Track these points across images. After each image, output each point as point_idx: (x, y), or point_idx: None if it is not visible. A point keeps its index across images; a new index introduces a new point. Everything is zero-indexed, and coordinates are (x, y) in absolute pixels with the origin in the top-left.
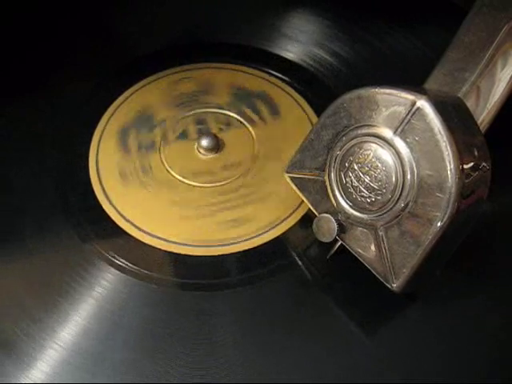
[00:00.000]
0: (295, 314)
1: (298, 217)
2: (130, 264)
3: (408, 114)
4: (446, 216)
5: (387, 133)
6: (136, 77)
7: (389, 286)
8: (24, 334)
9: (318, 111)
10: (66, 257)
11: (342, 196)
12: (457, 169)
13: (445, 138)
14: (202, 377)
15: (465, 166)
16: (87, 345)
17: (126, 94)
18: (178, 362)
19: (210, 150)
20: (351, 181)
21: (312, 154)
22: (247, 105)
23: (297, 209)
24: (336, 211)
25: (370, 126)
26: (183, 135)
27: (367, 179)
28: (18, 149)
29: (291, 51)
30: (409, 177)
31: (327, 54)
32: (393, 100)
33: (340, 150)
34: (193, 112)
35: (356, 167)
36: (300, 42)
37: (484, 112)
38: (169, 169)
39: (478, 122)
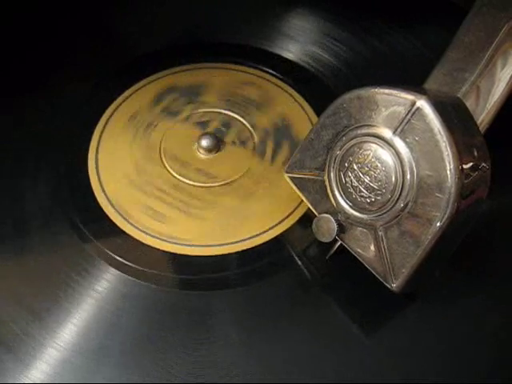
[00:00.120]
0: (294, 314)
1: (298, 217)
2: (129, 264)
3: (408, 114)
4: (446, 216)
5: (387, 133)
6: (136, 77)
7: (388, 285)
8: (24, 334)
9: (318, 111)
10: (66, 256)
11: (341, 196)
12: (456, 169)
13: (444, 138)
14: (203, 377)
15: (464, 166)
16: (87, 344)
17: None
18: (178, 362)
19: (210, 150)
20: (351, 181)
21: (312, 153)
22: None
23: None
24: (336, 211)
25: (370, 126)
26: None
27: (367, 179)
28: (18, 149)
29: (291, 51)
30: (408, 177)
31: (327, 53)
32: (392, 100)
33: (340, 150)
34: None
35: (356, 167)
36: (300, 41)
37: (484, 112)
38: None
39: (478, 122)
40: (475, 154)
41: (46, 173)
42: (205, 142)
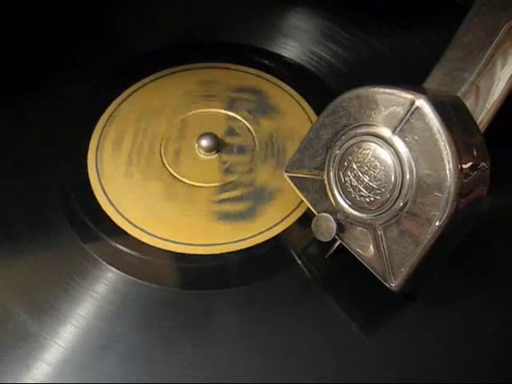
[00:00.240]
0: (294, 313)
1: (297, 216)
2: (129, 263)
3: (407, 113)
4: (445, 215)
5: (386, 132)
6: (136, 77)
7: (387, 285)
8: (24, 334)
9: (318, 110)
10: (66, 256)
11: (340, 195)
12: (456, 168)
13: (444, 138)
14: (203, 376)
15: (464, 166)
16: (87, 344)
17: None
18: (179, 361)
19: (210, 150)
20: (350, 180)
21: (311, 153)
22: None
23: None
24: (335, 210)
25: (369, 125)
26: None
27: (366, 178)
28: (18, 149)
29: (291, 51)
30: (408, 176)
31: (327, 53)
32: (392, 99)
33: (339, 150)
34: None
35: (355, 166)
36: (300, 41)
37: (483, 111)
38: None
39: (477, 121)
40: (474, 153)
41: (45, 173)
42: (205, 142)
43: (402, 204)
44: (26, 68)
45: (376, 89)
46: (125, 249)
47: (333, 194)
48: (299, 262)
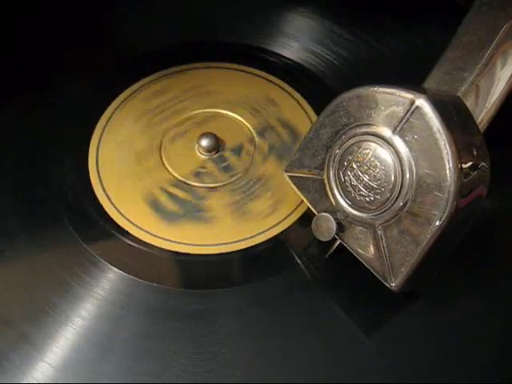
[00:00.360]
0: (294, 313)
1: (297, 216)
2: (130, 263)
3: (407, 112)
4: (445, 215)
5: (386, 132)
6: (136, 77)
7: (387, 285)
8: (25, 334)
9: (318, 110)
10: (67, 256)
11: (340, 195)
12: (456, 168)
13: (444, 137)
14: (204, 376)
15: (464, 165)
16: (88, 345)
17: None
18: (179, 361)
19: (210, 149)
20: (350, 180)
21: (311, 152)
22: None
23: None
24: (335, 210)
25: (369, 124)
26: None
27: (366, 178)
28: (18, 149)
29: (291, 50)
30: (408, 176)
31: (327, 53)
32: (392, 99)
33: (339, 149)
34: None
35: (355, 166)
36: (300, 41)
37: (483, 111)
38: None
39: (477, 121)
40: (474, 152)
41: (46, 173)
42: (205, 142)
43: (401, 203)
44: (26, 68)
45: (376, 88)
46: (126, 249)
47: (333, 194)
48: (299, 261)
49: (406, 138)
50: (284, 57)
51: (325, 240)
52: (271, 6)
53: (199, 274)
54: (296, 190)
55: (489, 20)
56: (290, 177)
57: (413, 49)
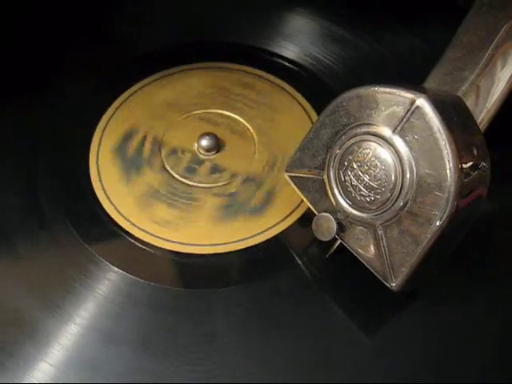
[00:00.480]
0: (294, 313)
1: (298, 216)
2: (130, 263)
3: (407, 112)
4: (445, 215)
5: (386, 131)
6: (136, 77)
7: (388, 285)
8: (25, 334)
9: (318, 110)
10: (67, 256)
11: (341, 195)
12: (456, 168)
13: (444, 137)
14: (203, 376)
15: (464, 165)
16: (88, 344)
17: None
18: (179, 362)
19: (209, 149)
20: (350, 180)
21: (311, 152)
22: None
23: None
24: (335, 210)
25: (370, 124)
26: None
27: (366, 178)
28: (18, 149)
29: (291, 50)
30: (408, 176)
31: (327, 53)
32: (392, 99)
33: (339, 149)
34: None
35: (355, 166)
36: (300, 41)
37: (483, 111)
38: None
39: (478, 121)
40: (475, 152)
41: (46, 173)
42: (205, 142)
43: (402, 203)
44: (26, 68)
45: (376, 88)
46: (126, 248)
47: (333, 194)
48: (299, 261)
49: (407, 138)
50: (285, 57)
51: (325, 240)
52: (271, 6)
53: (199, 273)
54: (296, 189)
55: (489, 20)
56: (290, 177)
57: (413, 49)
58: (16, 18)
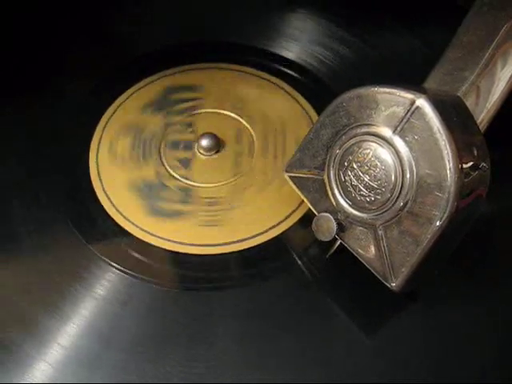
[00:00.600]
0: (295, 314)
1: (298, 216)
2: (131, 263)
3: (407, 112)
4: (445, 215)
5: (386, 132)
6: (136, 77)
7: (388, 285)
8: (25, 334)
9: (318, 110)
10: (67, 256)
11: (341, 195)
12: (456, 168)
13: (444, 137)
14: (203, 377)
15: (464, 165)
16: (88, 344)
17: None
18: (179, 362)
19: (209, 149)
20: (350, 180)
21: (311, 153)
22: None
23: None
24: (335, 210)
25: (370, 124)
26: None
27: (366, 178)
28: (18, 149)
29: (291, 51)
30: (408, 176)
31: (327, 53)
32: (392, 99)
33: (339, 149)
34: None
35: (355, 166)
36: (300, 41)
37: (483, 111)
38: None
39: (478, 121)
40: (475, 152)
41: (46, 173)
42: (205, 142)
43: (402, 204)
44: (26, 68)
45: (376, 88)
46: (126, 249)
47: (333, 194)
48: (299, 262)
49: (407, 138)
50: (285, 58)
51: (325, 240)
52: (271, 6)
53: (199, 274)
54: (296, 190)
55: (489, 20)
56: (290, 177)
57: (413, 49)
58: (16, 18)
